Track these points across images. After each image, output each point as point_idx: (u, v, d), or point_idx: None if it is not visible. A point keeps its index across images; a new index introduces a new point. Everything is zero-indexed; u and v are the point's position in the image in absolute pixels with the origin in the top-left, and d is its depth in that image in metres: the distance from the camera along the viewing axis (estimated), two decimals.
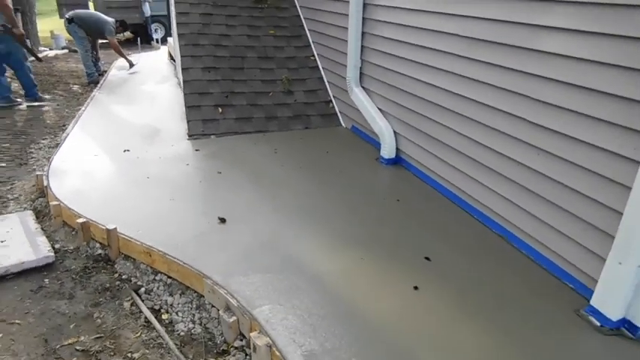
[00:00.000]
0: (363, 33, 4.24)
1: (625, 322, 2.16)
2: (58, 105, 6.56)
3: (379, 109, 4.15)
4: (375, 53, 4.12)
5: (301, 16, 5.68)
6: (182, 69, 4.89)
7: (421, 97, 3.50)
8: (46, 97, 6.66)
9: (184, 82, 4.83)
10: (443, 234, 2.93)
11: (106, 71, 8.15)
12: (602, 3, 2.11)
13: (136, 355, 2.19)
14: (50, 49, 11.01)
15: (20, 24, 6.50)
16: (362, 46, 4.29)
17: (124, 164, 3.86)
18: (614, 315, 2.15)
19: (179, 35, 5.14)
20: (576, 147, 2.32)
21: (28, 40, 9.62)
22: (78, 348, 2.22)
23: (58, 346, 2.22)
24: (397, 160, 3.97)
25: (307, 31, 5.56)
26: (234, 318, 2.23)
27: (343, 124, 4.93)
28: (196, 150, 4.17)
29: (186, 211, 3.10)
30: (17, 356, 2.14)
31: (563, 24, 2.32)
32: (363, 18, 4.18)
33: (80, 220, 2.95)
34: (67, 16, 8.05)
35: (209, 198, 3.31)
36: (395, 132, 3.96)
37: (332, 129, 4.86)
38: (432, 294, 2.37)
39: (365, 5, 4.12)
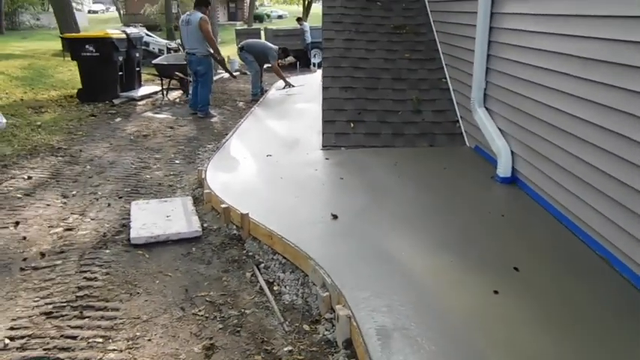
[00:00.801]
0: (488, 55, 4.38)
1: None
2: (224, 118, 7.77)
3: (499, 129, 4.22)
4: (499, 75, 4.22)
5: (437, 40, 5.95)
6: (323, 88, 5.53)
7: (539, 117, 3.53)
8: (214, 113, 7.92)
9: (323, 99, 5.45)
10: (540, 250, 2.96)
11: (267, 91, 9.34)
12: None
13: (247, 312, 2.72)
14: (226, 73, 12.84)
15: None
16: (487, 68, 4.42)
17: (265, 166, 4.57)
18: None
19: (323, 59, 5.82)
20: None
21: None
22: (207, 299, 2.83)
23: (194, 296, 2.86)
24: (513, 180, 4.00)
25: (441, 55, 5.81)
26: (327, 294, 2.63)
27: (467, 144, 5.05)
28: (326, 159, 4.71)
29: (306, 206, 3.61)
30: (166, 297, 2.83)
31: None
32: (489, 41, 4.32)
33: (223, 206, 3.66)
34: (239, 45, 9.52)
35: (327, 198, 3.79)
36: (512, 152, 4.01)
37: (456, 148, 5.02)
38: (511, 300, 2.48)
39: (491, 29, 4.27)
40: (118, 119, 7.28)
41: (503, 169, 4.04)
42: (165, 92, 9.19)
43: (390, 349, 2.13)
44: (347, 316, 2.37)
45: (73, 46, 8.26)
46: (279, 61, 12.28)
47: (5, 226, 3.59)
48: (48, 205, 4.01)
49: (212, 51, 7.53)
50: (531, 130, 3.67)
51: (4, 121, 6.12)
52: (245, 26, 24.47)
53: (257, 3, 40.58)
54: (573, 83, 3.09)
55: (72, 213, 3.87)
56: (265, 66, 9.76)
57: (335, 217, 3.42)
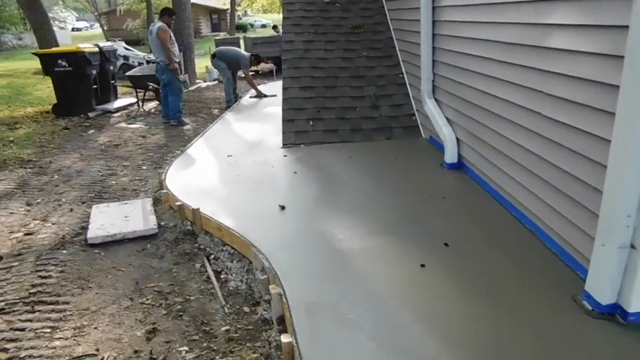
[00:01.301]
0: (433, 48, 4.56)
1: (617, 308, 2.19)
2: (197, 125, 7.91)
3: (447, 118, 4.39)
4: (443, 66, 4.40)
5: (394, 38, 6.13)
6: (283, 89, 5.70)
7: (476, 104, 3.70)
8: (187, 121, 8.05)
9: (283, 99, 5.61)
10: (474, 226, 3.12)
11: (242, 97, 9.48)
12: None
13: (192, 298, 2.86)
14: (204, 82, 13.02)
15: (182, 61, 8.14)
16: (433, 61, 4.61)
17: (224, 166, 4.71)
18: (604, 299, 2.19)
19: (283, 61, 5.99)
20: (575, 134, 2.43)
21: (182, 75, 11.65)
22: (156, 290, 2.96)
23: (143, 287, 2.99)
24: (459, 165, 4.17)
25: (398, 51, 5.99)
26: (265, 276, 2.77)
27: (423, 135, 5.22)
28: (284, 156, 4.86)
29: (257, 200, 3.76)
30: (116, 290, 2.96)
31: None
32: (433, 34, 4.51)
33: (178, 203, 3.80)
34: (211, 53, 9.66)
35: (279, 191, 3.93)
36: (458, 139, 4.18)
37: (412, 139, 5.18)
38: (436, 272, 2.63)
39: (434, 22, 4.46)
40: (91, 131, 7.41)
41: (450, 156, 4.21)
42: (140, 103, 9.32)
43: (314, 321, 2.28)
44: (278, 294, 2.51)
45: (46, 62, 8.39)
46: (259, 67, 12.48)
47: None
48: (11, 213, 4.14)
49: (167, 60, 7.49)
50: (472, 116, 3.84)
51: None
52: (227, 36, 24.66)
53: (240, 13, 40.88)
54: (500, 67, 3.26)
55: (34, 219, 4.00)
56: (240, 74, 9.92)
57: (283, 208, 3.57)
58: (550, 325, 2.18)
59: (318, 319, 2.29)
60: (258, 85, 9.69)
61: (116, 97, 9.67)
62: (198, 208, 3.59)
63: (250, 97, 9.29)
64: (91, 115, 8.51)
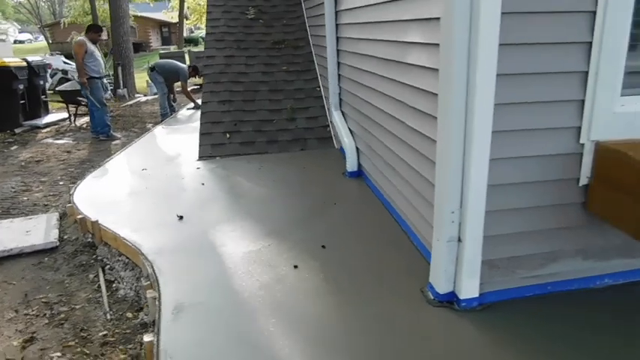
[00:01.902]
0: (338, 63, 4.83)
1: (453, 296, 2.43)
2: (128, 139, 7.90)
3: (350, 130, 4.65)
4: (345, 80, 4.66)
5: (313, 53, 6.39)
6: (202, 103, 5.83)
7: (367, 115, 3.96)
8: (117, 135, 8.03)
9: (202, 113, 5.74)
10: (355, 228, 3.35)
11: (178, 110, 9.51)
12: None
13: (77, 307, 2.93)
14: (144, 95, 12.95)
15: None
16: (338, 75, 4.87)
17: (137, 179, 4.78)
18: (441, 289, 2.44)
19: (204, 75, 6.13)
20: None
21: (120, 89, 11.60)
22: (43, 301, 3.02)
23: (32, 299, 3.04)
24: (359, 174, 4.42)
25: (316, 66, 6.25)
26: (148, 282, 2.89)
27: (335, 146, 5.46)
28: (197, 168, 4.98)
29: (159, 211, 3.86)
30: (2, 303, 3.00)
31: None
32: (337, 50, 4.78)
33: (79, 216, 3.85)
34: (149, 65, 9.67)
35: (181, 202, 4.05)
36: (357, 148, 4.43)
37: (325, 150, 5.41)
38: (307, 273, 2.82)
39: (338, 39, 4.73)
40: (14, 147, 7.29)
41: (351, 165, 4.46)
42: (72, 118, 9.21)
43: (180, 319, 2.41)
44: (153, 298, 2.63)
45: None
46: (202, 80, 12.52)
47: None
48: None
49: (89, 75, 7.49)
50: (365, 127, 4.10)
51: None
52: (176, 49, 24.49)
53: (192, 27, 40.63)
54: (379, 81, 3.52)
55: None
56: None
57: (181, 217, 3.69)
58: (397, 314, 2.41)
59: (183, 319, 2.42)
60: (198, 98, 9.76)
61: (47, 113, 9.52)
62: (97, 220, 3.67)
63: (187, 109, 9.36)
64: (17, 130, 8.35)
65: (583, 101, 2.20)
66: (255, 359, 2.14)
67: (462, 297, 2.39)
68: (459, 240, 2.33)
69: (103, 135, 7.77)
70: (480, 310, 2.41)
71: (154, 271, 2.89)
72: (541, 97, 2.18)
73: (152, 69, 9.28)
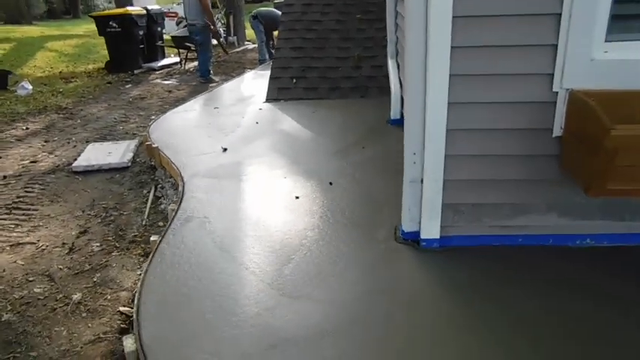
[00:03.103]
0: (396, 12, 4.81)
1: (417, 235, 2.55)
2: (224, 82, 8.62)
3: (399, 79, 4.68)
4: (400, 30, 4.65)
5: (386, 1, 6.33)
6: (275, 49, 6.18)
7: None
8: (216, 78, 8.79)
9: (274, 59, 6.11)
10: (373, 171, 3.51)
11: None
12: None
13: (125, 213, 3.58)
14: (252, 43, 13.70)
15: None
16: (396, 24, 4.86)
17: (205, 115, 5.37)
18: (407, 228, 2.57)
19: (281, 23, 6.45)
20: None
21: (230, 37, 12.46)
22: (104, 206, 3.72)
23: (96, 204, 3.76)
24: (400, 122, 4.48)
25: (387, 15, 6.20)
26: (177, 199, 3.41)
27: None
28: (259, 109, 5.41)
29: (210, 143, 4.37)
30: (76, 204, 3.76)
31: None
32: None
33: (147, 143, 4.53)
34: (252, 13, 10.25)
35: (232, 137, 4.51)
36: (402, 97, 4.48)
37: (382, 99, 5.46)
38: (305, 202, 3.11)
39: None
40: (129, 86, 8.40)
41: (394, 112, 4.56)
42: (183, 62, 10.21)
43: (185, 226, 2.88)
44: (172, 210, 3.14)
45: (100, 24, 9.47)
46: None
47: None
48: (30, 147, 5.13)
49: (209, 22, 8.31)
50: None
51: (30, 87, 7.43)
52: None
53: None
54: None
55: (43, 152, 4.94)
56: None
57: (225, 149, 4.16)
58: (364, 245, 2.61)
59: (188, 226, 2.89)
60: None
61: (163, 56, 10.64)
62: (157, 147, 4.29)
63: None
64: (136, 72, 9.53)
65: (556, 46, 2.10)
66: (233, 259, 2.52)
67: (422, 236, 2.51)
68: (421, 181, 2.42)
69: (203, 78, 8.57)
70: (440, 251, 2.51)
71: (183, 189, 3.40)
72: (507, 40, 2.13)
73: (254, 17, 9.83)
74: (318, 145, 4.14)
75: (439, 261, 2.44)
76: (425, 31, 2.15)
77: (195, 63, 10.38)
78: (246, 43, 13.54)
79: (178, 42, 9.93)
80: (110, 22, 9.34)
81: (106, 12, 10.32)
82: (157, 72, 9.74)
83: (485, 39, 2.14)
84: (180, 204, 3.20)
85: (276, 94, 5.78)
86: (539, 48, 2.13)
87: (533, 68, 2.16)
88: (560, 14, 2.05)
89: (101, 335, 2.23)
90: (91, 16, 9.98)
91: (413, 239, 2.57)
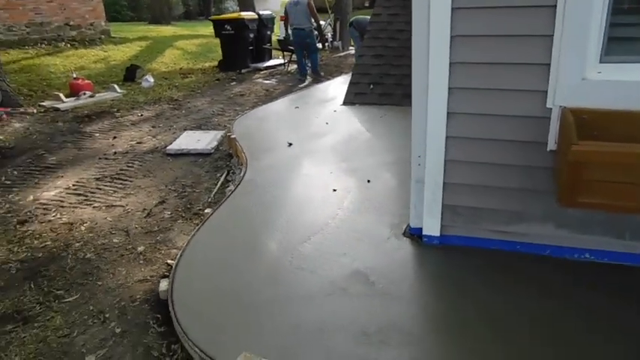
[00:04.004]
0: None
1: (420, 231, 2.81)
2: (322, 85, 9.24)
3: None
4: None
5: None
6: (357, 56, 6.58)
7: None
8: (322, 74, 9.45)
9: (355, 64, 6.52)
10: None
11: None
12: None
13: (197, 190, 4.24)
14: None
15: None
16: None
17: (284, 114, 5.96)
18: (413, 223, 2.84)
19: (367, 31, 6.83)
20: None
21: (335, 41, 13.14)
22: (183, 183, 4.42)
23: (177, 181, 4.48)
24: None
25: None
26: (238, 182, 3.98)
27: None
28: (334, 111, 5.86)
29: (280, 137, 4.92)
30: (162, 180, 4.51)
31: None
32: None
33: (228, 134, 5.20)
34: (349, 21, 10.78)
35: (301, 134, 5.01)
36: None
37: None
38: (342, 195, 3.49)
39: None
40: (233, 83, 9.35)
41: None
42: (286, 64, 11.03)
43: (237, 196, 3.43)
44: (229, 190, 3.71)
45: (217, 26, 10.60)
46: None
47: (107, 138, 5.75)
48: (140, 130, 6.11)
49: (316, 25, 9.02)
50: None
51: (152, 81, 8.67)
52: None
53: None
54: None
55: (148, 135, 5.87)
56: None
57: (290, 144, 4.67)
58: (377, 235, 2.93)
59: (238, 203, 3.43)
60: None
61: (270, 58, 11.57)
62: (235, 137, 4.94)
63: None
64: (243, 71, 10.52)
65: (549, 65, 2.25)
66: (266, 234, 3.00)
67: (424, 232, 2.76)
68: (424, 182, 2.68)
69: (315, 73, 9.32)
70: (439, 247, 2.74)
71: (244, 174, 3.97)
72: (503, 58, 2.32)
73: (350, 24, 10.33)
74: (372, 146, 4.47)
75: (436, 257, 2.68)
76: (427, 51, 2.42)
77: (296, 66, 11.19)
78: (350, 48, 14.08)
79: (282, 45, 10.76)
80: (225, 25, 10.42)
81: (222, 16, 11.49)
82: (262, 72, 10.65)
83: (482, 58, 2.35)
84: (237, 186, 3.77)
85: (353, 98, 6.19)
86: (533, 67, 2.29)
87: (528, 85, 2.32)
88: (552, 36, 2.20)
89: (148, 277, 2.83)
90: (209, 20, 11.17)
91: (417, 235, 2.83)
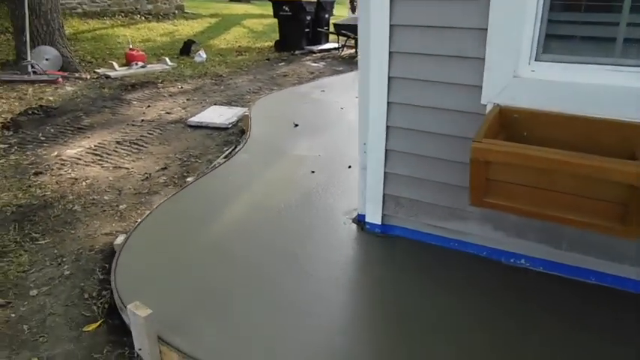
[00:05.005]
0: None
1: (363, 217, 2.84)
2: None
3: None
4: None
5: None
6: None
7: None
8: None
9: None
10: None
11: None
12: None
13: (199, 161, 4.49)
14: None
15: None
16: None
17: (308, 97, 6.05)
18: (360, 210, 2.88)
19: None
20: None
21: None
22: (190, 153, 4.70)
23: (187, 150, 4.76)
24: None
25: None
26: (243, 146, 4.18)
27: None
28: (355, 97, 5.86)
29: (290, 119, 5.05)
30: (175, 149, 4.82)
31: None
32: None
33: (245, 112, 5.42)
34: None
35: (312, 117, 5.11)
36: None
37: None
38: (319, 177, 3.58)
39: None
40: (282, 64, 9.55)
41: None
42: (341, 49, 11.05)
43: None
44: (230, 153, 3.92)
45: (275, 7, 10.82)
46: None
47: (142, 106, 6.18)
48: (174, 101, 6.49)
49: None
50: None
51: (204, 56, 9.09)
52: None
53: None
54: None
55: (179, 107, 6.23)
56: None
57: (296, 125, 4.80)
58: (327, 221, 3.00)
59: (217, 174, 3.63)
60: None
61: (326, 41, 11.64)
62: (248, 115, 5.14)
63: None
64: (297, 52, 10.69)
65: (484, 60, 2.19)
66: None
67: (367, 220, 2.79)
68: (367, 170, 2.70)
69: None
70: (380, 236, 2.77)
71: (239, 149, 4.17)
72: (440, 50, 2.28)
73: None
74: None
75: (374, 244, 2.72)
76: (369, 42, 2.43)
77: (352, 51, 11.16)
78: None
79: (338, 29, 10.78)
80: (283, 7, 10.61)
81: None
82: (315, 55, 10.76)
83: (420, 49, 2.32)
84: (229, 158, 3.97)
85: None
86: (468, 60, 2.23)
87: (464, 80, 2.27)
88: (487, 29, 2.13)
89: (114, 232, 3.11)
90: (270, 1, 11.42)
91: (363, 221, 2.86)
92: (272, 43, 11.78)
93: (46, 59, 7.11)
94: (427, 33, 2.28)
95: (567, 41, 2.11)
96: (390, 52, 2.38)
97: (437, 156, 2.47)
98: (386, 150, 2.58)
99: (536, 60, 2.11)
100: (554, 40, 2.09)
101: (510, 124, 2.16)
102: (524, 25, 2.05)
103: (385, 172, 2.62)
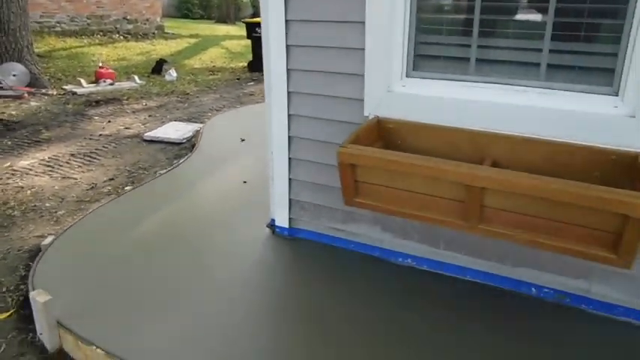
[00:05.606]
0: None
1: (274, 222, 3.06)
2: None
3: None
4: None
5: None
6: None
7: None
8: None
9: None
10: None
11: None
12: None
13: (146, 173, 4.70)
14: None
15: None
16: None
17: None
18: (271, 214, 3.09)
19: None
20: None
21: None
22: (140, 166, 4.91)
23: (137, 163, 4.97)
24: None
25: None
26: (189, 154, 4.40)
27: None
28: None
29: (239, 132, 5.30)
30: (126, 161, 5.03)
31: None
32: None
33: (199, 128, 5.66)
34: None
35: (257, 133, 5.35)
36: None
37: None
38: (250, 186, 3.80)
39: None
40: (251, 83, 9.86)
41: None
42: None
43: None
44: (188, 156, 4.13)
45: (249, 29, 11.19)
46: None
47: (102, 122, 6.40)
48: (136, 118, 6.72)
49: None
50: None
51: (175, 75, 9.37)
52: None
53: None
54: None
55: (139, 123, 6.46)
56: None
57: (242, 140, 5.05)
58: (243, 223, 3.22)
59: (157, 183, 3.84)
60: None
61: None
62: (200, 130, 5.38)
63: None
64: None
65: (363, 76, 2.45)
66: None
67: (276, 224, 3.01)
68: (273, 177, 2.93)
69: None
70: (288, 238, 2.99)
71: (184, 160, 4.39)
72: (329, 67, 2.55)
73: None
74: None
75: (281, 247, 2.93)
76: (269, 60, 2.69)
77: None
78: None
79: None
80: (256, 28, 10.97)
81: (254, 19, 12.06)
82: None
83: (312, 66, 2.59)
84: (167, 172, 4.19)
85: None
86: (351, 77, 2.49)
87: (350, 94, 2.53)
88: (364, 49, 2.40)
89: (46, 234, 3.29)
90: (243, 22, 11.79)
91: (274, 225, 3.08)
92: (243, 64, 12.12)
93: (14, 75, 7.34)
94: (314, 52, 2.55)
95: (433, 60, 2.39)
96: (287, 70, 2.64)
97: (332, 163, 2.70)
98: (289, 158, 2.81)
99: (407, 76, 2.38)
100: (423, 59, 2.37)
101: (387, 133, 2.42)
102: (394, 47, 2.32)
103: (290, 179, 2.86)
